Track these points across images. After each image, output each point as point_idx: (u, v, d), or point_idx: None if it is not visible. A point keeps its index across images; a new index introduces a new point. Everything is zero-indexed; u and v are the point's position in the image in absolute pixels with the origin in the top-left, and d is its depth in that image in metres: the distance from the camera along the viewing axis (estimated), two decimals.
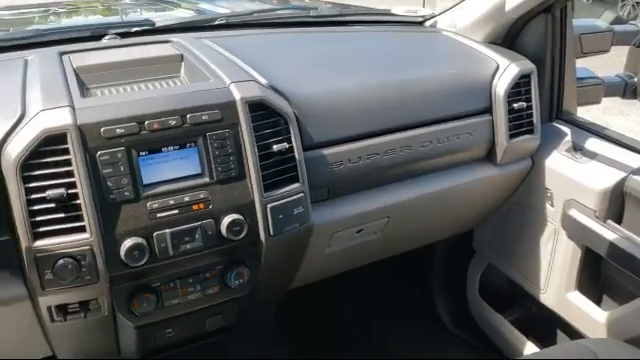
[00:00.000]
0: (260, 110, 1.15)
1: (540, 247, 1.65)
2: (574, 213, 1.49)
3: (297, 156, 1.19)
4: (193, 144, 1.10)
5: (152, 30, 1.54)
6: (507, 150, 1.52)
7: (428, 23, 1.81)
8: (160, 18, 1.70)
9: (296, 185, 1.19)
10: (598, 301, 1.55)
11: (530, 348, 1.76)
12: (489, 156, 1.55)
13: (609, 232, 1.40)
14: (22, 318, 1.13)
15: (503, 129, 1.50)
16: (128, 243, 1.03)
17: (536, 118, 1.54)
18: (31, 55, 1.30)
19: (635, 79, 1.80)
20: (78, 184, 1.00)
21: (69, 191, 0.99)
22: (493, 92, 1.50)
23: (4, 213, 1.01)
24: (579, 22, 1.72)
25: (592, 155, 1.52)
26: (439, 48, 1.67)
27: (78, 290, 1.05)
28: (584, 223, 1.46)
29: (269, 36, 1.64)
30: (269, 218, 1.15)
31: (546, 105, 1.65)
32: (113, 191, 1.03)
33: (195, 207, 1.09)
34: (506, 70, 1.50)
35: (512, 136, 1.52)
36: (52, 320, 1.10)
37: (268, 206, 1.15)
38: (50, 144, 1.00)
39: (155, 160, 1.07)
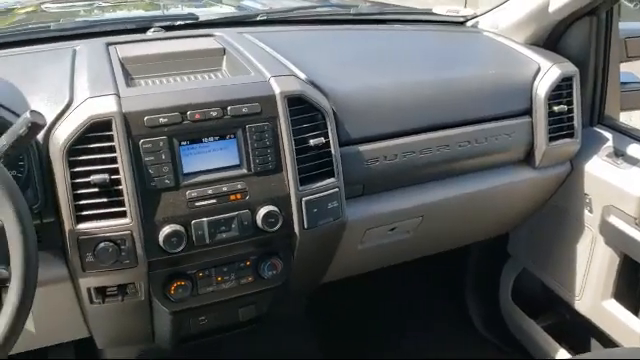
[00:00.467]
0: (299, 104, 1.17)
1: (577, 253, 1.62)
2: (613, 219, 1.46)
3: (333, 151, 1.20)
4: (232, 135, 1.12)
5: (195, 24, 1.57)
6: (546, 153, 1.50)
7: (469, 23, 1.80)
8: (202, 13, 1.74)
9: (331, 180, 1.20)
10: (635, 310, 1.51)
11: (562, 355, 1.73)
12: (527, 159, 1.53)
13: None
14: (63, 299, 1.17)
15: (543, 132, 1.48)
16: (167, 230, 1.05)
17: (577, 122, 1.52)
18: (79, 45, 1.34)
19: None
20: (121, 170, 1.03)
21: (112, 177, 1.02)
22: (534, 94, 1.48)
23: (50, 196, 1.05)
24: (625, 25, 1.69)
25: (634, 161, 1.49)
26: (480, 48, 1.65)
27: (117, 273, 1.08)
28: (623, 230, 1.43)
29: (309, 33, 1.65)
30: (304, 211, 1.16)
31: (587, 109, 1.62)
32: (154, 178, 1.05)
33: (232, 197, 1.11)
34: (548, 72, 1.48)
35: (552, 139, 1.50)
36: (91, 302, 1.14)
37: (303, 199, 1.16)
38: (96, 130, 1.03)
39: (195, 150, 1.09)
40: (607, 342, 1.58)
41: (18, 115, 1.03)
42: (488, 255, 1.97)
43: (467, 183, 1.46)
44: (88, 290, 1.12)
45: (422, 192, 1.41)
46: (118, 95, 1.06)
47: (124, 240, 1.04)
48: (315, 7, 2.06)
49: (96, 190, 1.03)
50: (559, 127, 1.51)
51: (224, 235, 1.11)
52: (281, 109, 1.14)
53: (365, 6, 2.02)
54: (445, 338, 2.01)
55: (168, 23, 1.54)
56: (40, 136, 1.04)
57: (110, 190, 1.03)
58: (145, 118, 1.05)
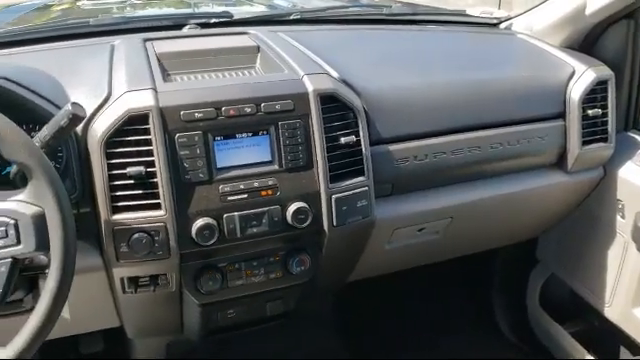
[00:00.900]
0: (331, 103, 1.18)
1: (608, 259, 1.59)
2: None
3: (364, 150, 1.20)
4: (265, 132, 1.13)
5: (230, 22, 1.59)
6: (579, 157, 1.48)
7: (503, 25, 1.79)
8: (236, 11, 1.76)
9: (361, 178, 1.21)
10: None
11: None
12: (559, 162, 1.51)
13: None
14: (97, 288, 1.20)
15: (576, 135, 1.46)
16: (199, 222, 1.07)
17: (611, 126, 1.50)
18: (117, 40, 1.37)
19: None
20: (156, 163, 1.05)
21: (148, 169, 1.05)
22: (567, 97, 1.47)
23: (87, 186, 1.08)
24: None
25: None
26: (513, 50, 1.64)
27: (150, 264, 1.10)
28: None
29: (342, 32, 1.66)
30: (333, 208, 1.17)
31: (622, 114, 1.60)
32: (189, 172, 1.07)
33: (264, 193, 1.12)
34: (582, 75, 1.47)
35: (585, 143, 1.48)
36: (124, 291, 1.16)
37: (333, 197, 1.17)
38: (133, 124, 1.05)
39: (229, 145, 1.11)
40: (637, 350, 1.55)
41: (59, 107, 1.07)
42: (516, 259, 1.95)
43: (498, 185, 1.45)
44: (121, 280, 1.14)
45: (452, 193, 1.41)
46: (155, 90, 1.09)
47: (158, 232, 1.06)
48: (347, 7, 2.07)
49: (132, 182, 1.05)
50: (593, 131, 1.49)
51: (255, 230, 1.12)
52: (313, 107, 1.15)
53: (397, 6, 2.02)
54: (470, 342, 2.00)
55: (203, 20, 1.57)
56: (79, 128, 1.06)
57: (145, 182, 1.06)
58: (181, 113, 1.07)
